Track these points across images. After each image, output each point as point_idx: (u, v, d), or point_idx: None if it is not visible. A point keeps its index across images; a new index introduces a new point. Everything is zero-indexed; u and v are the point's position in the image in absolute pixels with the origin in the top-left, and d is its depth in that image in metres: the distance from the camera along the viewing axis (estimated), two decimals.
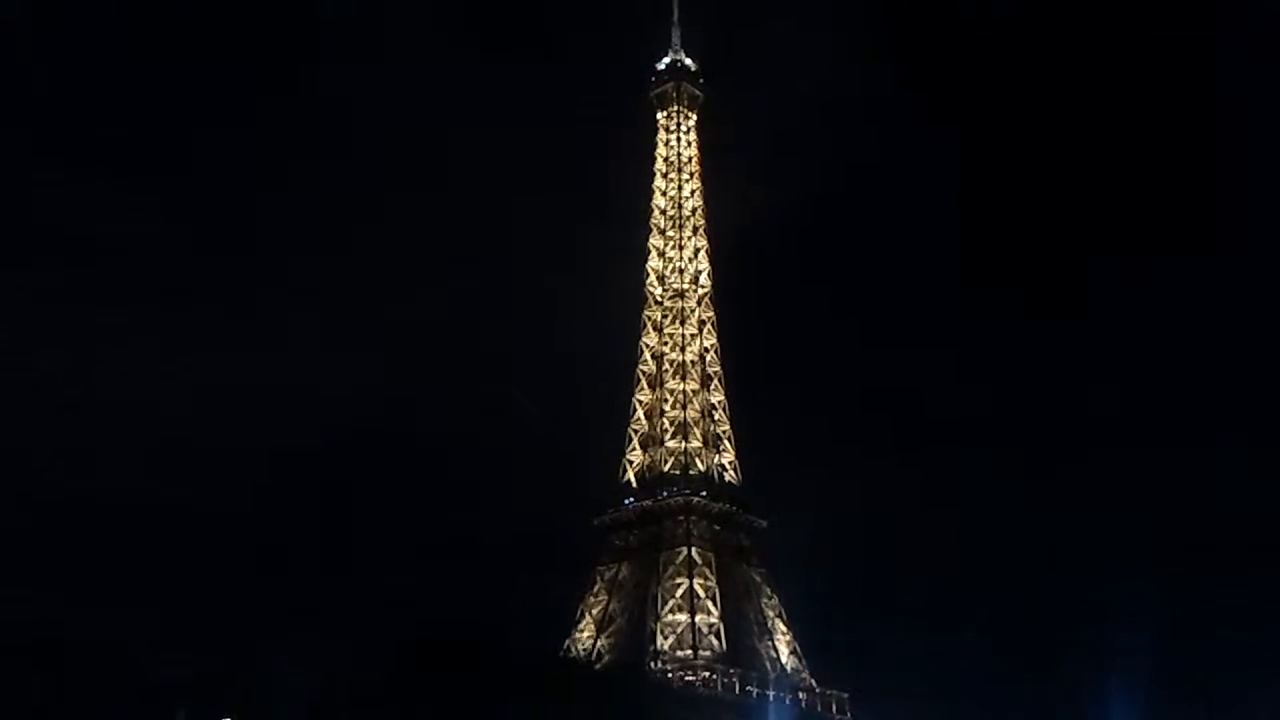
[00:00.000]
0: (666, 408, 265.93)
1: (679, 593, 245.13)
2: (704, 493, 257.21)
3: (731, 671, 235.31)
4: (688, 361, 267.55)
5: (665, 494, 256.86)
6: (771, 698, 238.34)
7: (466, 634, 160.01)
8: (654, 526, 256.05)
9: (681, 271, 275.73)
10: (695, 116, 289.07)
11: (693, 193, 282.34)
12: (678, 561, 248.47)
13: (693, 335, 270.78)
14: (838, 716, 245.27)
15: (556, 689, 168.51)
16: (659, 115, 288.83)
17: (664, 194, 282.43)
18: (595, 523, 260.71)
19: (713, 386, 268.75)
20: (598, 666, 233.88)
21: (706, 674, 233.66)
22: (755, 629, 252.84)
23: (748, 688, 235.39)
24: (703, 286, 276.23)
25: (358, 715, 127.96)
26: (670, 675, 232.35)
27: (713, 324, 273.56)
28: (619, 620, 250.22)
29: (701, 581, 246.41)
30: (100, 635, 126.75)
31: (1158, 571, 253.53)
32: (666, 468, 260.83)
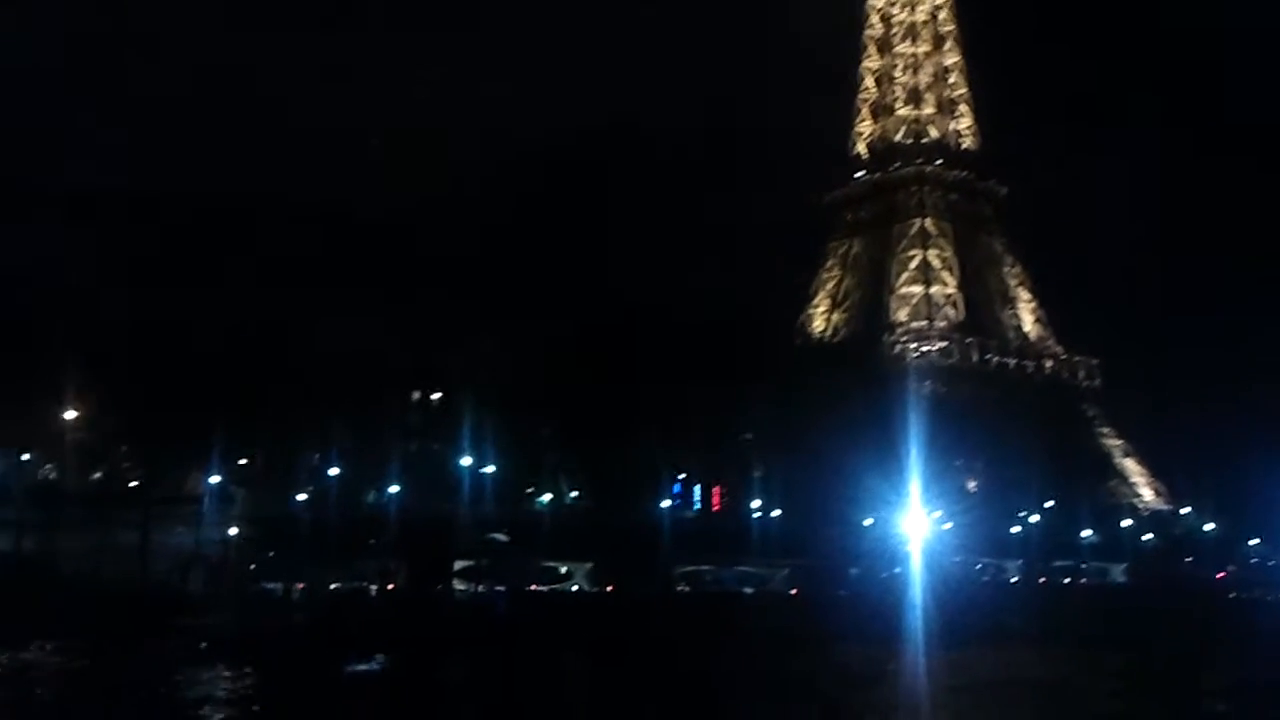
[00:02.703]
0: (896, 73, 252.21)
1: (913, 264, 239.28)
2: (939, 161, 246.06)
3: (969, 341, 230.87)
4: (918, 22, 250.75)
5: (897, 165, 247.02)
6: (1013, 365, 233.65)
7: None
8: (887, 199, 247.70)
9: None
10: None
11: None
12: (911, 233, 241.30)
13: None
14: (1086, 383, 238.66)
15: (785, 365, 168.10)
16: None
17: None
18: (826, 199, 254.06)
19: (946, 48, 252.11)
20: (833, 341, 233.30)
21: (943, 344, 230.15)
22: (996, 298, 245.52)
23: (987, 356, 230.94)
24: None
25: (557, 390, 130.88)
26: (905, 347, 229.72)
27: None
28: (853, 295, 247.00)
29: (937, 252, 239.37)
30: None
31: None
32: (898, 137, 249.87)
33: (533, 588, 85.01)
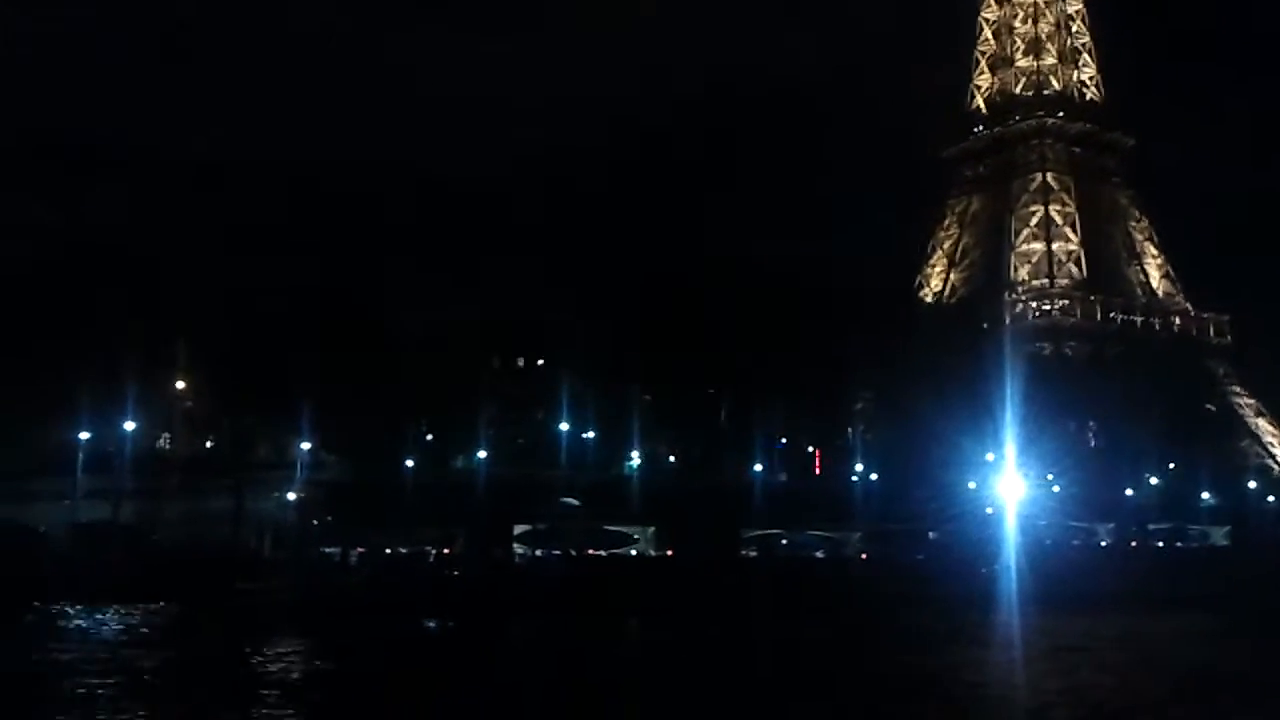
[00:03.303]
0: (1016, 23, 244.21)
1: (1034, 221, 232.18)
2: (1060, 113, 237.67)
3: (1092, 298, 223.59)
4: None
5: (1017, 118, 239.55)
6: (1139, 323, 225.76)
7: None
8: (1006, 154, 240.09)
9: None
10: None
11: None
12: (1032, 188, 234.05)
13: None
14: (1217, 340, 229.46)
15: (891, 329, 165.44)
16: None
17: None
18: (944, 155, 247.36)
19: None
20: (946, 302, 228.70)
21: (1065, 302, 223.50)
22: (1122, 254, 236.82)
23: (1110, 314, 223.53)
24: None
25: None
26: (1026, 306, 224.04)
27: None
28: (972, 254, 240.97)
29: (1058, 207, 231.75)
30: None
31: None
32: (1018, 90, 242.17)
33: (590, 551, 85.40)
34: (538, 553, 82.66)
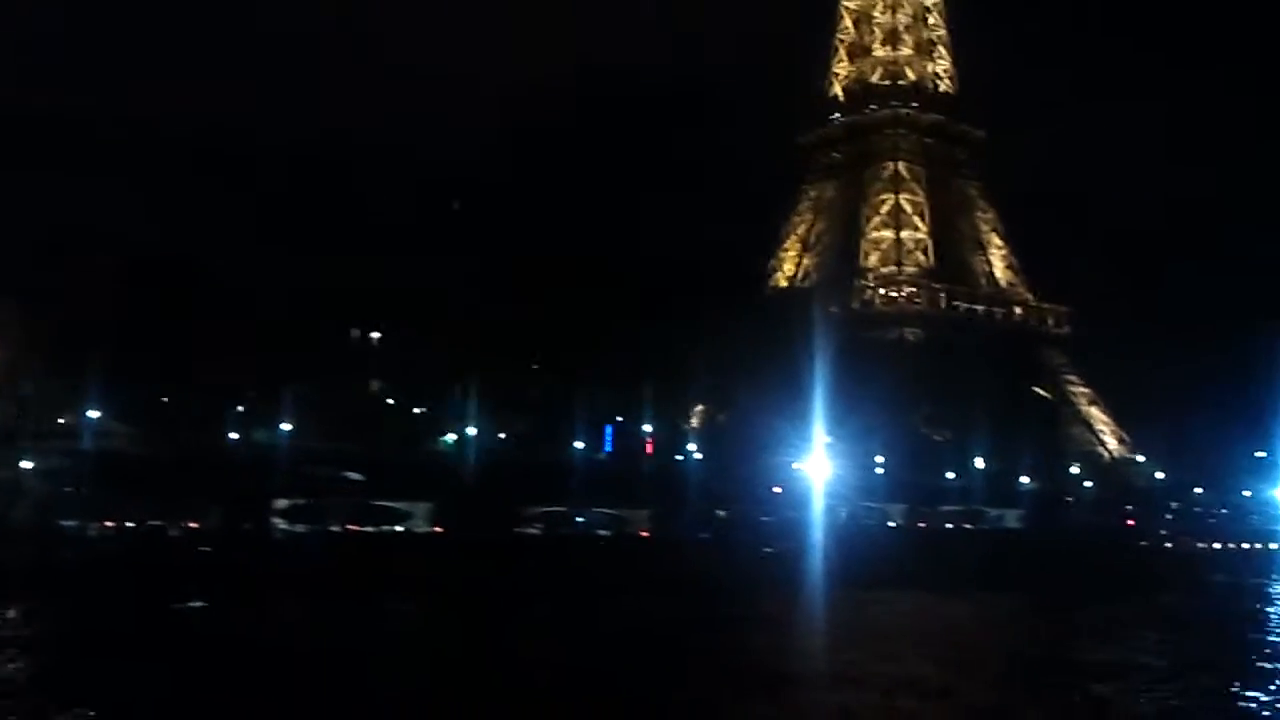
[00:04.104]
0: (875, 13, 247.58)
1: (885, 209, 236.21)
2: (914, 104, 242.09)
3: (937, 286, 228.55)
4: None
5: (873, 107, 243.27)
6: (980, 311, 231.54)
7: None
8: (861, 142, 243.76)
9: None
10: None
11: None
12: (884, 177, 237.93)
13: None
14: (1055, 330, 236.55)
15: (726, 309, 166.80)
16: None
17: None
18: (800, 141, 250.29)
19: None
20: (803, 286, 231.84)
21: (911, 289, 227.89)
22: (968, 244, 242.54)
23: (954, 302, 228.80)
24: None
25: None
26: (874, 293, 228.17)
27: None
28: (824, 239, 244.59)
29: (909, 196, 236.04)
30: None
31: None
32: (875, 79, 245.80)
33: (354, 528, 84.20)
34: (298, 528, 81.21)
